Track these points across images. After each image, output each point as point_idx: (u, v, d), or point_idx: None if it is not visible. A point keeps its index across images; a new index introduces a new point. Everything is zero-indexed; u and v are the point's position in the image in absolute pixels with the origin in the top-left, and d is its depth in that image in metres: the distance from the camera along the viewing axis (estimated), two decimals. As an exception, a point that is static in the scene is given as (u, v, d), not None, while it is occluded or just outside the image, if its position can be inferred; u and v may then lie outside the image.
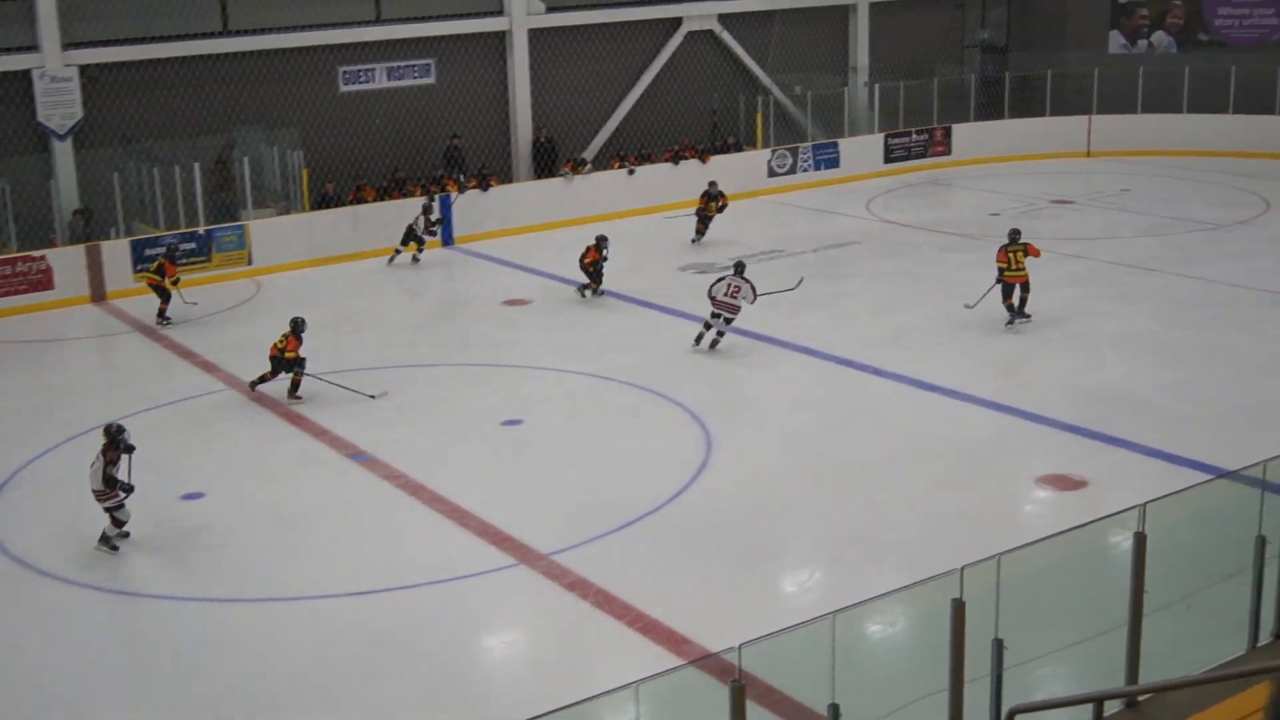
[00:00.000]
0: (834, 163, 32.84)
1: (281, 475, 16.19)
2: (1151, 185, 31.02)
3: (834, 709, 7.75)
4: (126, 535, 14.02)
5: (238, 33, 26.68)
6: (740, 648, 7.43)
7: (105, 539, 13.89)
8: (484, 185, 28.18)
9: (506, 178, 29.79)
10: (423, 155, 28.85)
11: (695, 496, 14.90)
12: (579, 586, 12.89)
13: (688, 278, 24.25)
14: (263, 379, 18.45)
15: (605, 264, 22.91)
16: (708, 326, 20.16)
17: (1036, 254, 20.48)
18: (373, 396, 18.26)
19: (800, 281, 21.68)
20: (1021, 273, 20.28)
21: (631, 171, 30.04)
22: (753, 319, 20.63)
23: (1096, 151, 34.82)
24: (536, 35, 30.20)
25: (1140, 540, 8.40)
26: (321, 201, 26.76)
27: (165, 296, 22.32)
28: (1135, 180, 31.70)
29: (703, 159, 30.92)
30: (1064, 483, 14.98)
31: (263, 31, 26.93)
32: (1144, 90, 34.94)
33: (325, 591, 13.02)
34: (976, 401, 17.56)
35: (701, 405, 17.67)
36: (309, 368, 18.32)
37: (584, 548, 13.70)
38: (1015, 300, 20.38)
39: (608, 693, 7.51)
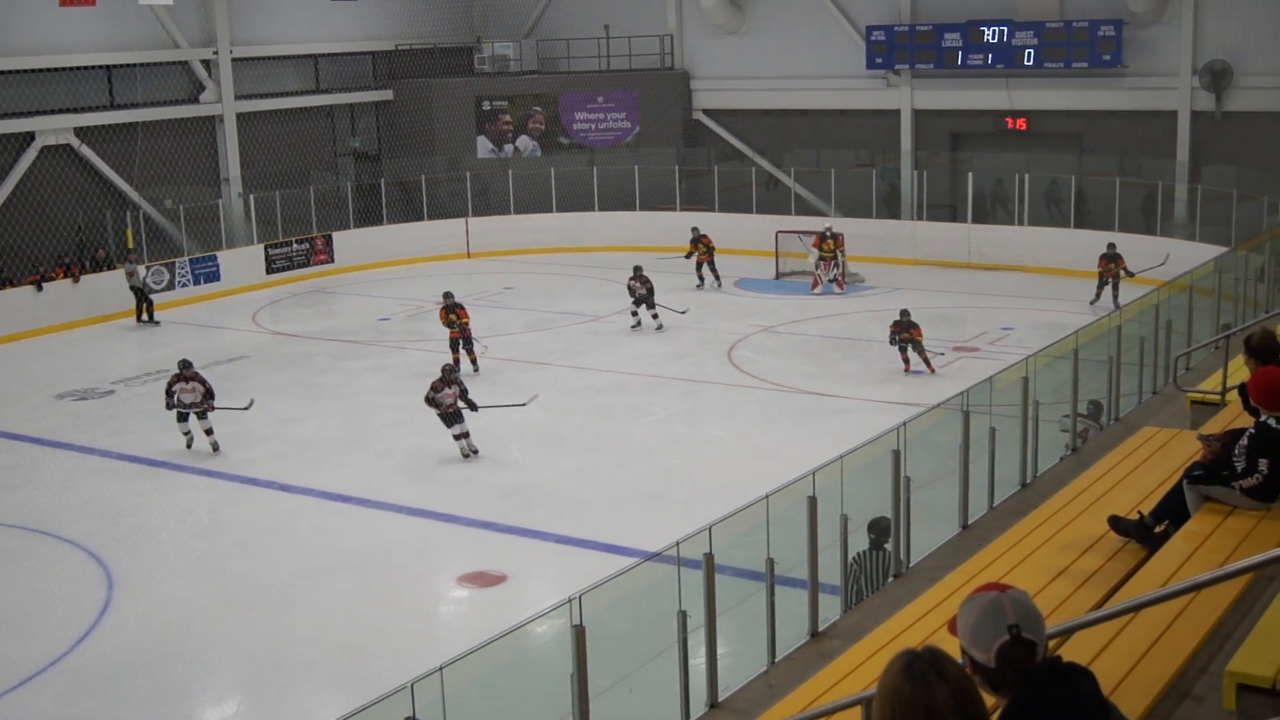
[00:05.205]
0: (214, 276, 31.82)
1: None
2: (531, 282, 32.15)
3: None
4: None
5: None
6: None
7: None
8: None
9: None
10: None
11: (101, 640, 13.71)
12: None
13: (66, 405, 22.60)
14: None
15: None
16: None
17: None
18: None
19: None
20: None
21: (-9, 296, 27.79)
22: (136, 441, 19.46)
23: (476, 253, 35.76)
24: None
25: (580, 633, 8.36)
26: None
27: None
28: (516, 278, 32.76)
29: (74, 278, 29.10)
30: (484, 579, 14.97)
31: None
32: (515, 192, 36.36)
33: None
34: (390, 508, 17.30)
35: (96, 540, 16.38)
36: None
37: (-25, 715, 12.26)
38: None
39: None
